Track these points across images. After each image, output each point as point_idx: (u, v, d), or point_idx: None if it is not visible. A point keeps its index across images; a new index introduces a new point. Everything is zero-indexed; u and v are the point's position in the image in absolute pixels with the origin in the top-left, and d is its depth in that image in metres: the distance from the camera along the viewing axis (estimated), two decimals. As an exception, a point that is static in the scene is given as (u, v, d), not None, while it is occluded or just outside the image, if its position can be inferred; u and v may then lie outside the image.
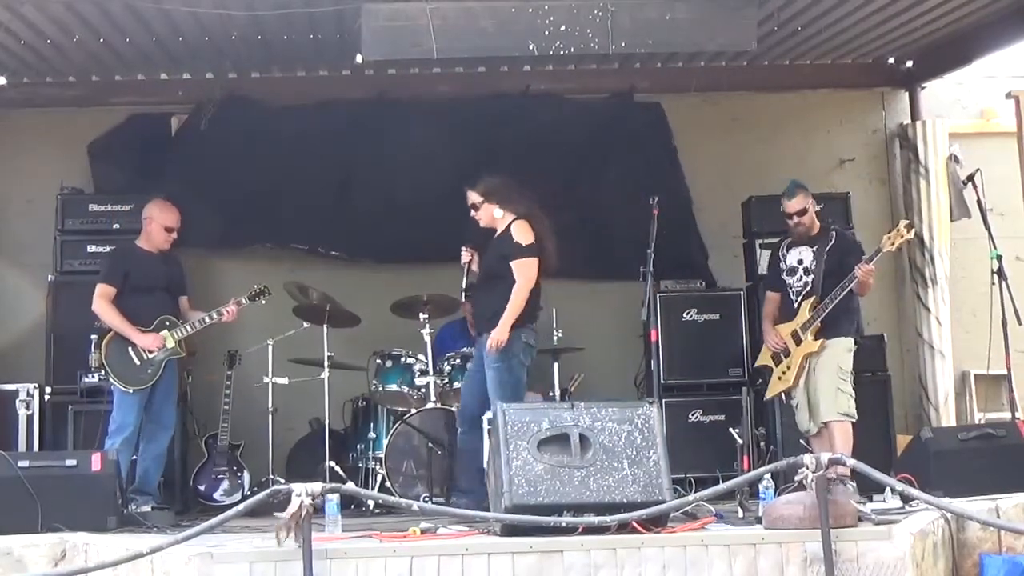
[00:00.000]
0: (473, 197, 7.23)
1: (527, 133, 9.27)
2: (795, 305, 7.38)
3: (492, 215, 7.20)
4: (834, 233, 7.48)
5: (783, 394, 7.48)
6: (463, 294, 7.45)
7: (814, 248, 7.37)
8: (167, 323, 7.40)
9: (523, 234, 7.04)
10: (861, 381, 7.52)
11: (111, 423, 7.27)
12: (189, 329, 7.46)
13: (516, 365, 7.08)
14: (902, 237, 7.03)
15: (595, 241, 9.26)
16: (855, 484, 6.65)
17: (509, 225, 7.12)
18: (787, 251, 7.54)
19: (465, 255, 7.34)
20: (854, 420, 7.15)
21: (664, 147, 9.49)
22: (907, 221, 7.25)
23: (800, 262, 7.41)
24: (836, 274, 7.20)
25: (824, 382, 7.15)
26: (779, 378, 7.43)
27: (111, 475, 6.40)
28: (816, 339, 7.18)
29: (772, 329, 7.52)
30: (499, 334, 6.94)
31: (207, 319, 7.49)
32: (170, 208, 7.59)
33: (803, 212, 7.44)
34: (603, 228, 9.23)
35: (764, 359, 7.61)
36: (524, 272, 7.01)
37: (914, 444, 7.04)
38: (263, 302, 7.81)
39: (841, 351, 7.21)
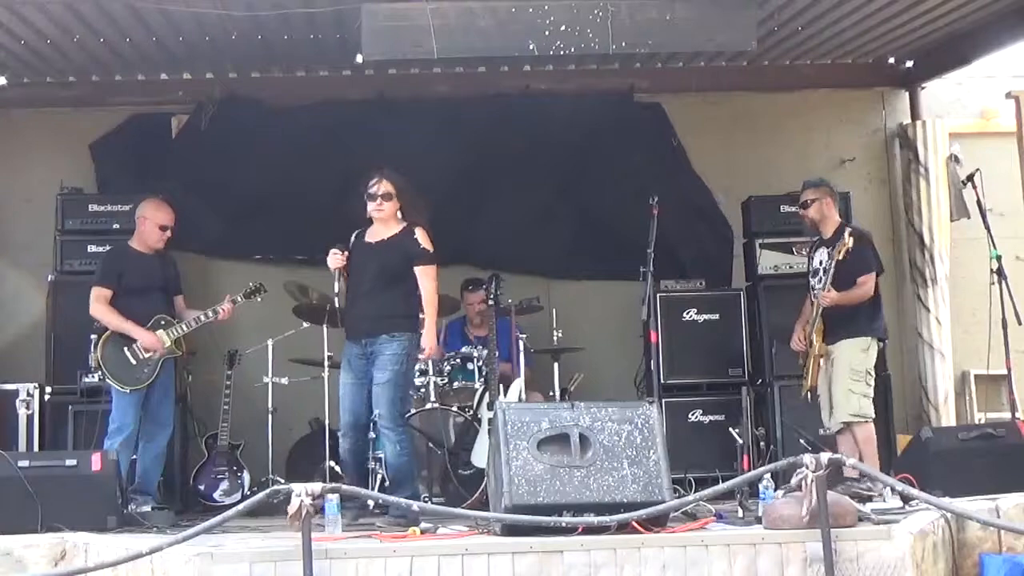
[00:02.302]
0: (389, 187, 6.95)
1: (527, 133, 9.27)
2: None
3: (395, 212, 7.00)
4: (846, 233, 7.29)
5: (809, 392, 7.41)
6: (337, 299, 7.02)
7: (829, 249, 7.31)
8: (163, 322, 7.40)
9: (427, 241, 6.97)
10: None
11: (110, 423, 7.26)
12: (185, 328, 7.46)
13: (412, 371, 7.13)
14: (845, 247, 7.03)
15: (595, 241, 9.28)
16: (862, 484, 6.67)
17: (412, 229, 6.98)
18: (814, 252, 7.50)
19: (340, 259, 6.98)
20: (868, 419, 7.13)
21: (667, 146, 9.50)
22: (849, 230, 7.19)
23: (821, 263, 7.35)
24: (843, 277, 7.16)
25: (837, 384, 7.15)
26: (804, 377, 7.41)
27: (111, 475, 6.40)
28: (822, 341, 7.18)
29: (799, 329, 7.49)
30: (432, 340, 6.87)
31: (202, 318, 7.49)
32: (164, 207, 7.57)
33: (805, 205, 7.42)
34: (603, 228, 9.24)
35: (800, 358, 7.53)
36: (432, 277, 6.94)
37: (914, 444, 7.04)
38: (259, 299, 7.79)
39: (854, 351, 7.17)
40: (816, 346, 7.21)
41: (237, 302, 7.62)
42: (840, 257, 7.06)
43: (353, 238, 7.05)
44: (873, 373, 7.24)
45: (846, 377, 7.13)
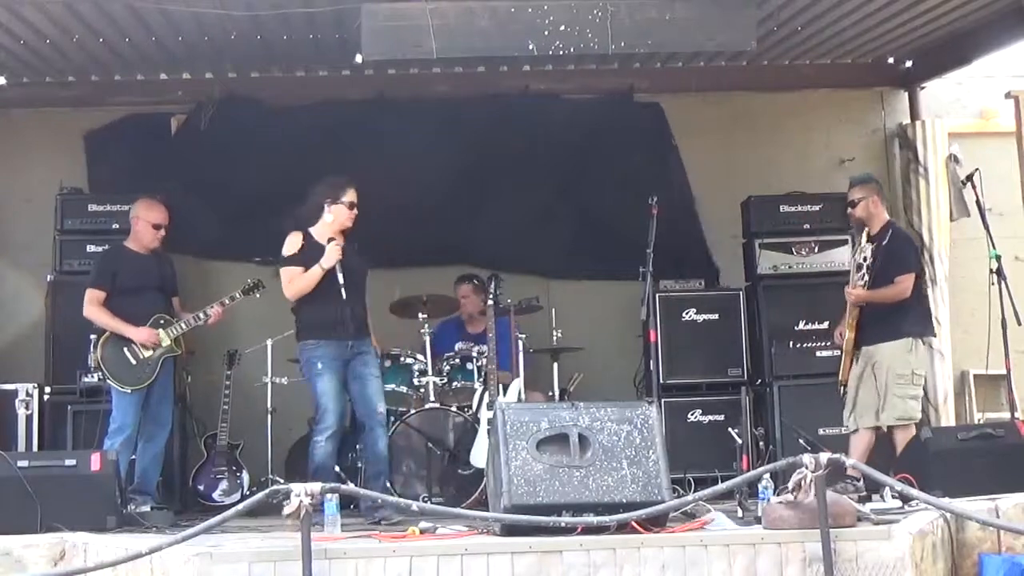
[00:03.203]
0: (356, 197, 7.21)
1: (526, 133, 9.27)
2: None
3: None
4: (890, 231, 7.36)
5: (842, 387, 7.43)
6: (344, 291, 7.00)
7: (873, 245, 7.30)
8: (161, 321, 7.40)
9: None
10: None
11: (111, 423, 7.26)
12: (184, 326, 7.46)
13: None
14: (860, 243, 7.11)
15: (595, 241, 9.27)
16: (860, 483, 6.69)
17: (353, 239, 7.23)
18: (860, 246, 7.45)
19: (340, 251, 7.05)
20: (916, 420, 7.19)
21: (666, 146, 9.50)
22: (867, 228, 7.25)
23: (865, 259, 7.30)
24: (881, 275, 7.18)
25: (880, 389, 7.14)
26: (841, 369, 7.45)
27: (110, 475, 6.40)
28: (856, 339, 7.21)
29: (841, 322, 7.46)
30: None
31: (192, 320, 7.47)
32: (156, 206, 7.56)
33: (852, 204, 7.41)
34: (603, 228, 9.24)
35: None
36: None
37: (913, 444, 7.04)
38: (258, 296, 7.79)
39: (897, 355, 7.16)
40: (849, 339, 7.23)
41: (226, 303, 7.61)
42: (861, 259, 7.08)
43: (304, 241, 7.09)
44: (921, 372, 7.26)
45: (891, 383, 7.12)
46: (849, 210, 7.47)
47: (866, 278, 7.22)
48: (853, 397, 7.28)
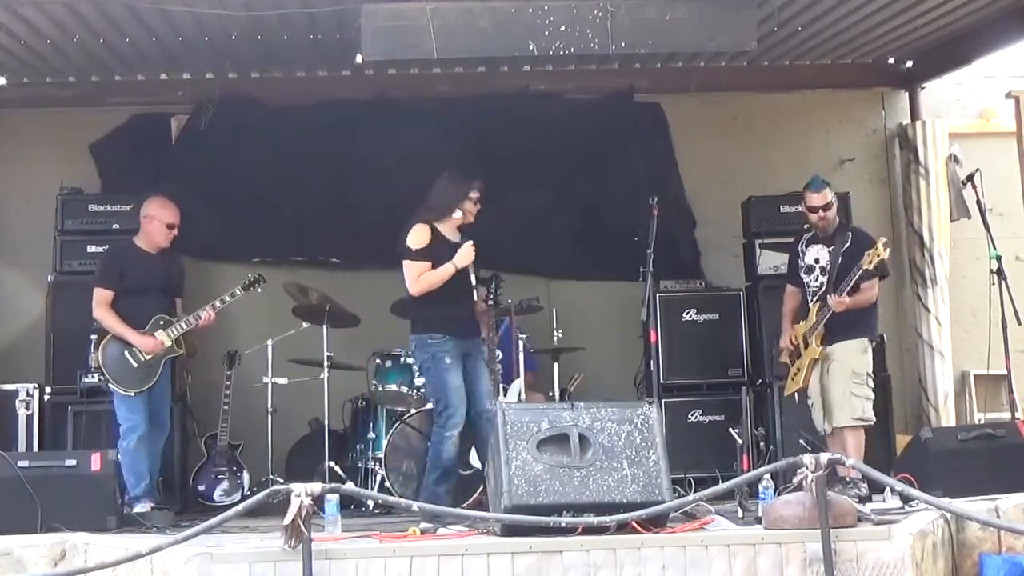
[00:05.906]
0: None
1: (527, 133, 9.27)
2: (810, 305, 7.34)
3: None
4: (851, 233, 7.37)
5: (796, 393, 7.45)
6: (476, 292, 7.26)
7: (830, 248, 7.29)
8: (161, 322, 7.36)
9: None
10: (860, 381, 7.52)
11: (121, 423, 7.18)
12: (184, 326, 7.43)
13: None
14: (879, 256, 6.96)
15: (595, 241, 9.27)
16: (865, 485, 6.67)
17: None
18: (806, 248, 7.46)
19: None
20: (870, 423, 7.14)
21: (666, 146, 9.50)
22: (885, 240, 7.16)
23: (816, 261, 7.33)
24: (844, 277, 7.14)
25: (837, 387, 7.11)
26: (792, 378, 7.44)
27: (110, 475, 6.41)
28: (820, 345, 7.17)
29: (789, 327, 7.48)
30: None
31: (184, 325, 7.42)
32: (169, 205, 7.53)
33: (828, 207, 7.35)
34: (603, 228, 9.23)
35: (784, 356, 7.57)
36: None
37: (914, 444, 7.04)
38: (259, 290, 7.77)
39: (855, 353, 7.16)
40: (816, 349, 7.19)
41: (235, 295, 7.60)
42: (870, 267, 6.99)
43: (432, 235, 6.99)
44: (871, 374, 7.24)
45: (847, 380, 7.10)
46: (823, 212, 7.32)
47: (820, 279, 7.25)
48: (821, 401, 7.24)
